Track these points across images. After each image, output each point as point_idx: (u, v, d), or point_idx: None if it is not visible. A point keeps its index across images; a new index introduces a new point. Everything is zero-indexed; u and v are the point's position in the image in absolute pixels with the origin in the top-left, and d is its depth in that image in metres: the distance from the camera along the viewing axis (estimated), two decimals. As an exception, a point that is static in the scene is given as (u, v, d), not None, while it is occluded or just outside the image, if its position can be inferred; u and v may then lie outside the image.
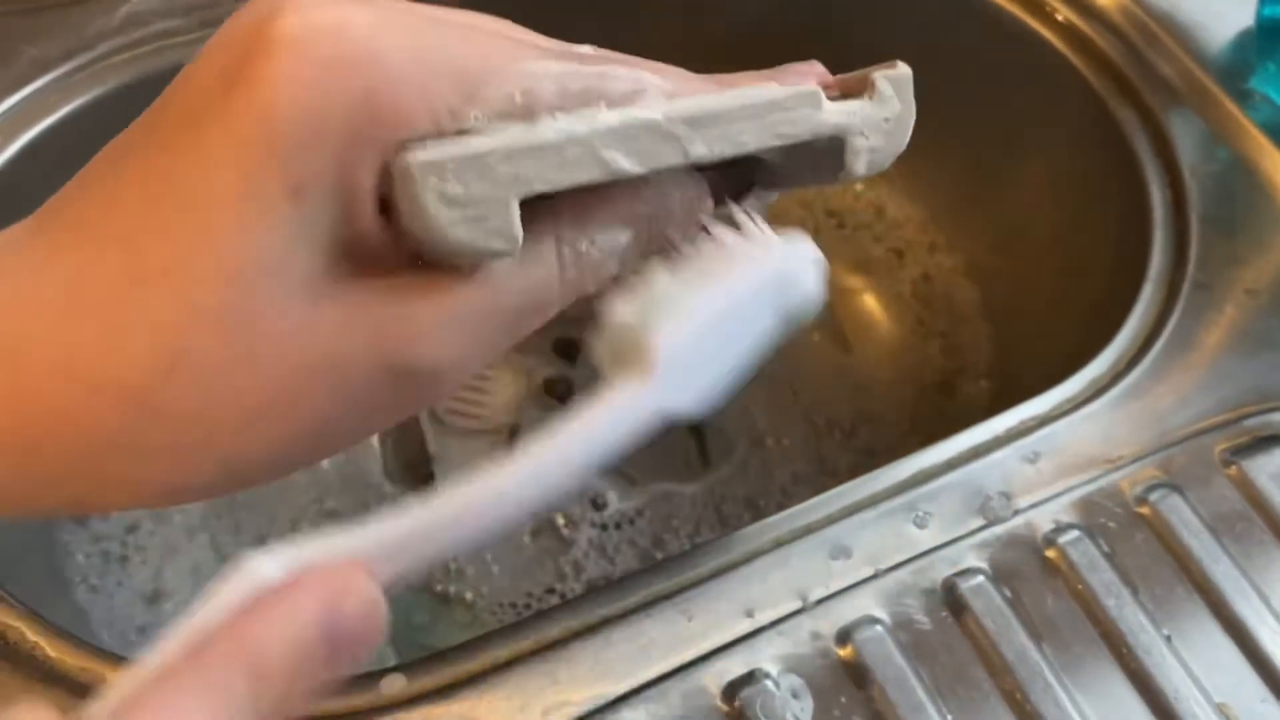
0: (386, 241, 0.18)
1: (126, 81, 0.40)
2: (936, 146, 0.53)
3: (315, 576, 0.16)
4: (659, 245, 0.21)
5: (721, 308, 0.19)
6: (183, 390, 0.17)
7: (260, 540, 0.44)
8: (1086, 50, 0.46)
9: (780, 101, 0.20)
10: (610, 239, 0.20)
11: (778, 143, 0.20)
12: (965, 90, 0.51)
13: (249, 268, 0.17)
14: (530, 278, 0.19)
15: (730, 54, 0.53)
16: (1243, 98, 0.43)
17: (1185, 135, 0.42)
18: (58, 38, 0.40)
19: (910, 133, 0.22)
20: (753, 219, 0.21)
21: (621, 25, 0.51)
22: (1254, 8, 0.45)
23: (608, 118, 0.19)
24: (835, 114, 0.21)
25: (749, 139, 0.20)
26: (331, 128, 0.17)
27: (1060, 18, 0.47)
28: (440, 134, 0.18)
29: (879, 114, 0.21)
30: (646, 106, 0.19)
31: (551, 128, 0.18)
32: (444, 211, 0.17)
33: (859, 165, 0.21)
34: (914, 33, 0.51)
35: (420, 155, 0.17)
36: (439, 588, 0.44)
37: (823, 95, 0.21)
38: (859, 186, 0.56)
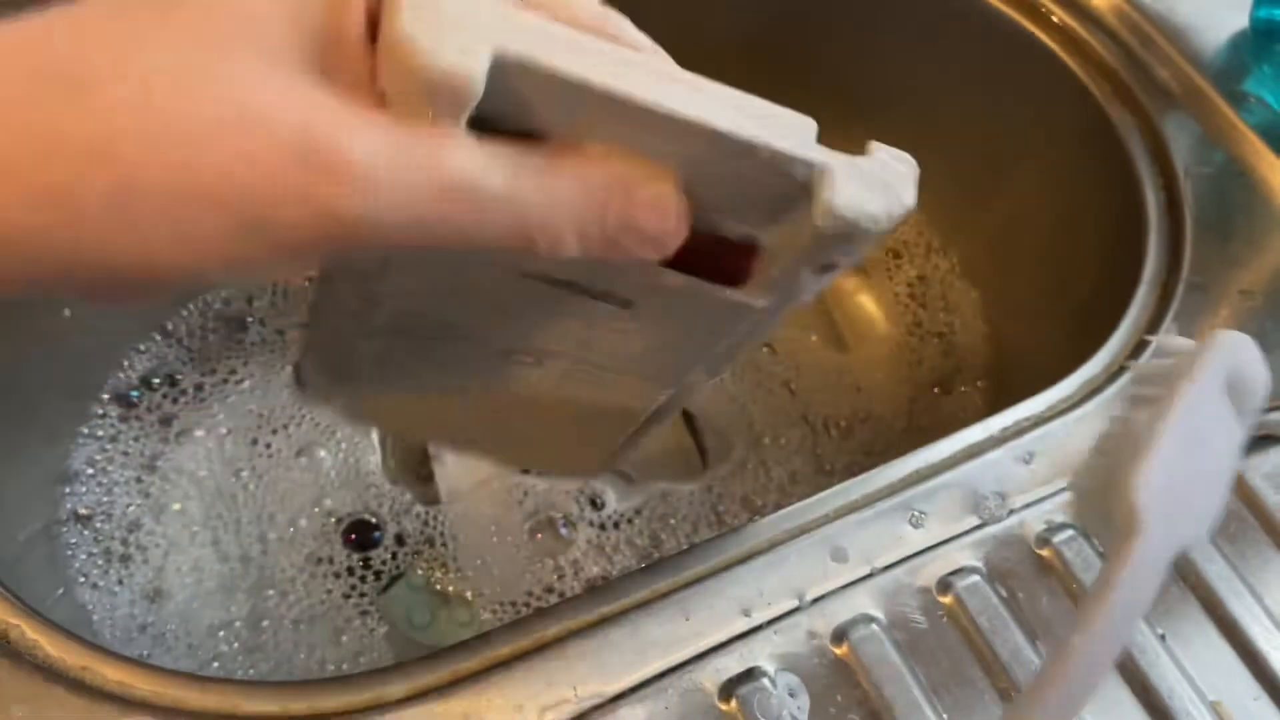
0: (365, 69, 0.19)
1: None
2: (933, 148, 0.54)
3: None
4: (612, 232, 0.20)
5: (1182, 433, 0.18)
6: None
7: (261, 539, 0.44)
8: (1082, 53, 0.46)
9: (779, 113, 0.20)
10: (566, 193, 0.20)
11: (750, 136, 0.20)
12: (961, 92, 0.51)
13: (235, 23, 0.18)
14: (474, 173, 0.19)
15: (731, 56, 0.53)
16: (1237, 100, 0.44)
17: (1180, 137, 0.43)
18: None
19: (890, 224, 0.21)
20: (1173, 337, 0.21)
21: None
22: (1248, 11, 0.46)
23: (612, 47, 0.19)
24: (820, 151, 0.20)
25: (730, 123, 0.19)
26: None
27: (1056, 20, 0.47)
28: None
29: (867, 169, 0.20)
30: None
31: (564, 28, 0.18)
32: (415, 20, 0.17)
33: (820, 209, 0.20)
34: (911, 35, 0.51)
35: None
36: (439, 586, 0.44)
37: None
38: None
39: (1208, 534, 0.19)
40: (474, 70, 0.18)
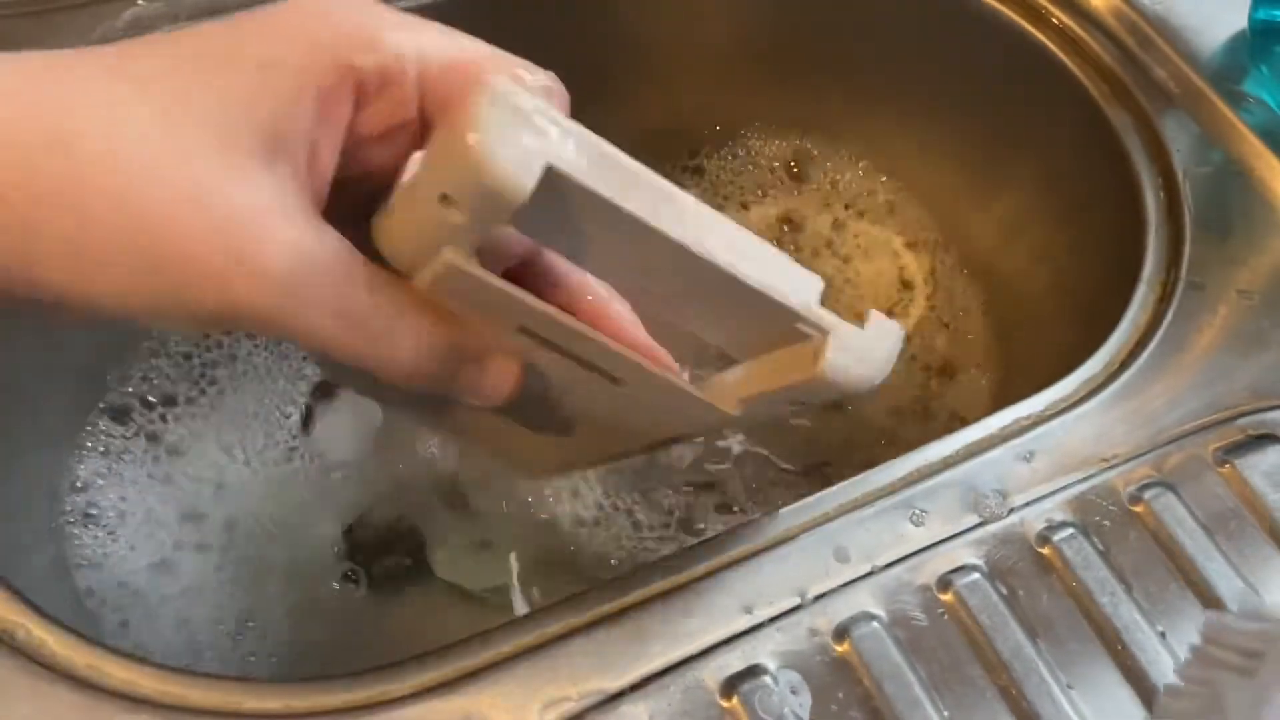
0: (303, 162, 0.21)
1: (130, 84, 0.41)
2: (932, 147, 0.54)
3: None
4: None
5: None
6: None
7: (264, 536, 0.44)
8: (1081, 53, 0.46)
9: (794, 269, 0.22)
10: (435, 349, 0.23)
11: (771, 290, 0.22)
12: (961, 94, 0.51)
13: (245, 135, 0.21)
14: (366, 305, 0.22)
15: (732, 57, 0.54)
16: (1236, 100, 0.44)
17: (1179, 138, 0.43)
18: (64, 40, 0.41)
19: (866, 385, 0.23)
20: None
21: (625, 28, 0.52)
22: (1247, 11, 0.46)
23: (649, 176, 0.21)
24: (826, 314, 0.23)
25: (747, 270, 0.22)
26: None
27: (1055, 21, 0.47)
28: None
29: (860, 341, 0.23)
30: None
31: (612, 148, 0.20)
32: (490, 125, 0.19)
33: (818, 368, 0.22)
34: (911, 36, 0.51)
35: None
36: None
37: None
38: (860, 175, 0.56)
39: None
40: (529, 183, 0.19)
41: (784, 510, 0.31)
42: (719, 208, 0.55)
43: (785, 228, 0.56)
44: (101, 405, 0.44)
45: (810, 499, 0.31)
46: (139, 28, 0.42)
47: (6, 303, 0.21)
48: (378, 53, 0.22)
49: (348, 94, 0.22)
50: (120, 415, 0.45)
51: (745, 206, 0.56)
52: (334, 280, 0.21)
